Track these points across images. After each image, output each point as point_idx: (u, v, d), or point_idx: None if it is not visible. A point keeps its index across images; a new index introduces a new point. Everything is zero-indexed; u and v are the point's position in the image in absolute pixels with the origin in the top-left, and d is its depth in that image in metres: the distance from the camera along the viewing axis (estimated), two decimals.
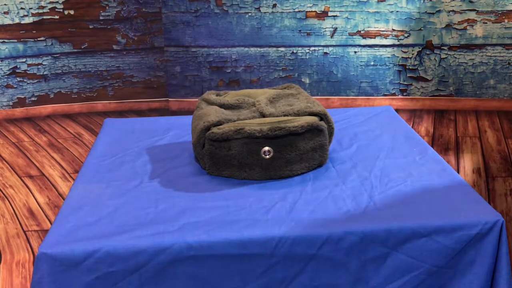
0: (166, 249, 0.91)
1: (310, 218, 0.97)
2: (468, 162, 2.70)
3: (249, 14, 3.37)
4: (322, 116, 1.15)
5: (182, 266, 0.92)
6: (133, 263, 0.91)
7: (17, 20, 3.23)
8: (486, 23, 2.72)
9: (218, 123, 1.09)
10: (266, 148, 1.07)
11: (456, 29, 2.76)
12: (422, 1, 3.18)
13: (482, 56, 3.10)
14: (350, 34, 3.37)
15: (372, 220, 0.96)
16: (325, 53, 3.43)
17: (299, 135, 1.08)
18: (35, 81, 3.33)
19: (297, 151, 1.09)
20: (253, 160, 1.08)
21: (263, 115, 1.12)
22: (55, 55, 3.34)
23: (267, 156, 1.08)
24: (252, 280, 0.94)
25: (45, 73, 3.34)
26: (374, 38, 3.39)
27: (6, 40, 3.24)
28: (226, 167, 1.10)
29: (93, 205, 1.02)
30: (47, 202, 2.41)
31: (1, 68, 3.26)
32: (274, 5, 3.35)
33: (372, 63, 3.14)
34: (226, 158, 1.09)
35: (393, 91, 3.31)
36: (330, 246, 0.94)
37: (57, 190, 2.53)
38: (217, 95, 1.22)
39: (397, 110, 1.50)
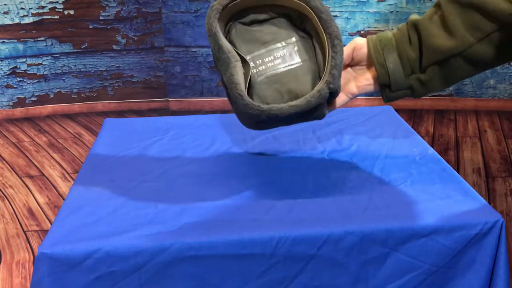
0: (166, 249, 0.91)
1: (310, 218, 0.97)
2: (468, 162, 2.70)
3: None
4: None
5: (182, 266, 0.92)
6: (133, 263, 0.91)
7: (17, 20, 3.22)
8: None
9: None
10: None
11: None
12: (422, 1, 3.18)
13: None
14: (350, 34, 3.37)
15: (372, 220, 0.96)
16: None
17: None
18: (35, 81, 3.33)
19: None
20: None
21: None
22: (55, 55, 3.34)
23: None
24: (252, 280, 0.94)
25: (45, 73, 3.34)
26: None
27: (6, 40, 3.24)
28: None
29: (93, 205, 1.02)
30: (47, 202, 2.42)
31: (1, 68, 3.26)
32: None
33: None
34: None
35: None
36: (330, 246, 0.94)
37: (57, 190, 2.53)
38: None
39: (397, 110, 1.50)
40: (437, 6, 0.94)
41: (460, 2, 0.90)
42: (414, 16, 0.97)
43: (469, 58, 0.91)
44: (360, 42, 0.98)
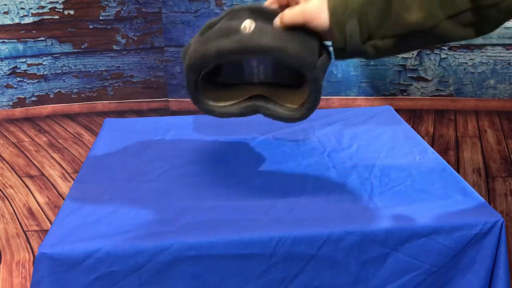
0: (166, 249, 0.91)
1: (310, 218, 0.97)
2: (468, 162, 2.70)
3: None
4: None
5: (182, 266, 0.92)
6: (133, 263, 0.91)
7: (17, 20, 3.22)
8: None
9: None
10: (247, 23, 0.96)
11: None
12: None
13: (482, 56, 3.09)
14: None
15: (372, 220, 0.96)
16: None
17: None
18: (35, 81, 3.33)
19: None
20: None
21: None
22: (55, 55, 3.34)
23: (247, 31, 0.96)
24: (252, 280, 0.94)
25: (45, 73, 3.34)
26: None
27: (6, 40, 3.24)
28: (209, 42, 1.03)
29: (93, 205, 1.02)
30: (47, 202, 2.41)
31: (1, 68, 3.26)
32: None
33: (372, 63, 3.13)
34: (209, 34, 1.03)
35: (393, 91, 3.31)
36: (330, 246, 0.94)
37: (57, 190, 2.53)
38: None
39: (397, 110, 1.50)
40: None
41: None
42: None
43: (432, 34, 0.89)
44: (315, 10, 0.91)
